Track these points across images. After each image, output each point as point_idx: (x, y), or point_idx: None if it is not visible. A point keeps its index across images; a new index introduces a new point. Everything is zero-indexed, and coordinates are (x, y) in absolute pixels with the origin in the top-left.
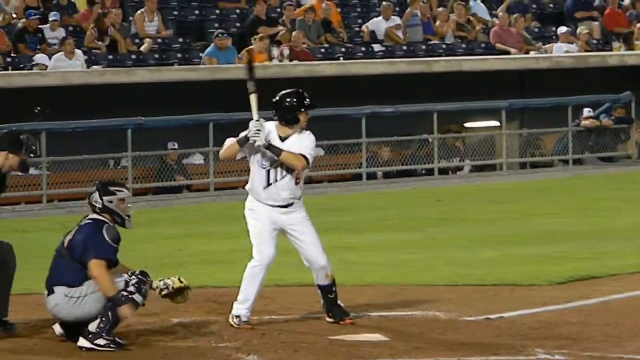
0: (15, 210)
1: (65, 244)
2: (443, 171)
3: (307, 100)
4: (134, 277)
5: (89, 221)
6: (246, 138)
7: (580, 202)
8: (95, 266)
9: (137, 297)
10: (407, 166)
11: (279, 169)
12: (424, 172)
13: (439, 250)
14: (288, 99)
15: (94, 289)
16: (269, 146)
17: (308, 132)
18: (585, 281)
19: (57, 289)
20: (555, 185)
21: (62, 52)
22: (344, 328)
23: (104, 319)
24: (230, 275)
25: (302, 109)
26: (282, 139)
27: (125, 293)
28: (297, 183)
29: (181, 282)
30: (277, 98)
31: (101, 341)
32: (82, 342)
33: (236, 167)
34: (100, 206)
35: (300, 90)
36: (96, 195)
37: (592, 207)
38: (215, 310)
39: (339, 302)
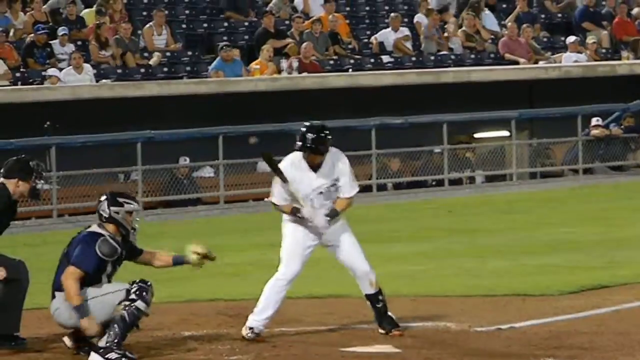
0: (25, 225)
1: (66, 251)
2: (453, 182)
3: (304, 144)
4: (135, 285)
5: (87, 233)
6: (298, 215)
7: (590, 211)
8: (69, 273)
9: (140, 304)
10: (417, 177)
11: (320, 197)
12: (434, 183)
13: (450, 261)
14: (325, 131)
15: (94, 295)
16: (331, 217)
17: (335, 150)
18: (596, 291)
19: (58, 294)
20: (565, 195)
21: (71, 67)
22: (356, 339)
23: (112, 332)
24: (241, 288)
25: (300, 148)
26: (315, 169)
27: (127, 302)
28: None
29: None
30: (309, 131)
31: (112, 355)
32: (94, 357)
33: (246, 180)
34: (107, 216)
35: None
36: (104, 205)
37: (603, 216)
38: (227, 323)
39: (389, 312)
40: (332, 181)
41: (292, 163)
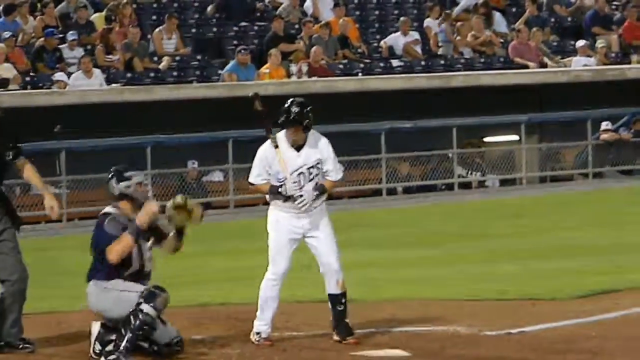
0: (35, 229)
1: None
2: (463, 186)
3: (287, 117)
4: (146, 291)
5: (99, 217)
6: (279, 192)
7: (600, 215)
8: (108, 254)
9: (145, 307)
10: (427, 181)
11: (301, 177)
12: (444, 187)
13: (460, 265)
14: (309, 107)
15: (116, 287)
16: (317, 196)
17: (314, 133)
18: (606, 295)
19: (90, 283)
20: (575, 199)
21: (81, 71)
22: (366, 344)
23: (120, 337)
24: (251, 292)
25: (280, 124)
26: (297, 149)
27: (134, 307)
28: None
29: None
30: (294, 105)
31: None
32: None
33: None
34: (118, 194)
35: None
36: (113, 183)
37: (613, 220)
38: (237, 327)
39: (347, 319)
40: (314, 161)
41: (276, 141)
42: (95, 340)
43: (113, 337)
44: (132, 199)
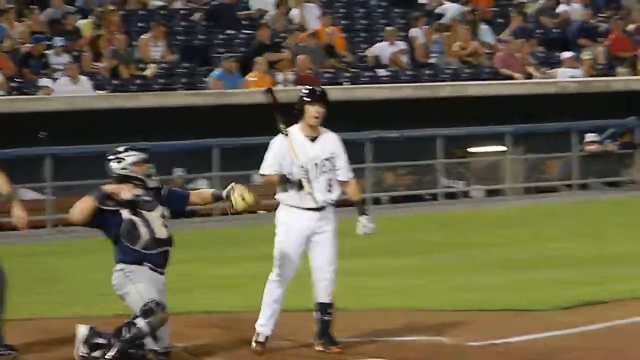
0: (19, 235)
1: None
2: (448, 196)
3: (313, 92)
4: (149, 304)
5: None
6: (288, 180)
7: (585, 227)
8: (70, 213)
9: (139, 321)
10: (412, 191)
11: (315, 168)
12: (429, 197)
13: (444, 275)
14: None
15: (140, 279)
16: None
17: (324, 129)
18: (590, 306)
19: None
20: (560, 211)
21: (67, 77)
22: (350, 354)
23: (108, 346)
24: (236, 300)
25: (307, 100)
26: (312, 139)
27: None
28: (329, 190)
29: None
30: (315, 87)
31: None
32: None
33: None
34: (116, 175)
35: (315, 87)
36: (110, 164)
37: (597, 232)
38: (221, 335)
39: (330, 330)
40: (328, 154)
41: (284, 137)
42: (83, 342)
43: (101, 340)
44: (130, 178)
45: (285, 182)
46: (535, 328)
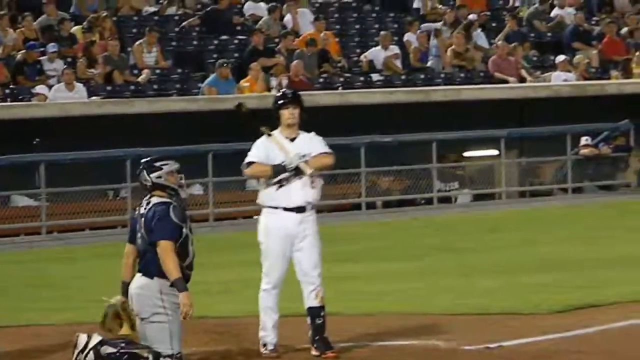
0: (14, 241)
1: (143, 230)
2: (443, 200)
3: (284, 96)
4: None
5: (156, 205)
6: (283, 166)
7: (579, 230)
8: (162, 249)
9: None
10: (407, 196)
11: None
12: (423, 201)
13: (438, 279)
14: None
15: (177, 318)
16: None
17: (312, 133)
18: (584, 309)
19: (140, 277)
20: (554, 214)
21: (62, 84)
22: (345, 358)
23: None
24: (229, 306)
25: (280, 104)
26: (292, 140)
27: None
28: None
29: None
30: (286, 90)
31: None
32: None
33: (236, 198)
34: (150, 184)
35: (287, 90)
36: (144, 174)
37: (592, 235)
38: (214, 341)
39: (325, 334)
40: (307, 151)
41: (267, 137)
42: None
43: (110, 350)
44: (164, 187)
45: (281, 171)
46: (529, 332)
